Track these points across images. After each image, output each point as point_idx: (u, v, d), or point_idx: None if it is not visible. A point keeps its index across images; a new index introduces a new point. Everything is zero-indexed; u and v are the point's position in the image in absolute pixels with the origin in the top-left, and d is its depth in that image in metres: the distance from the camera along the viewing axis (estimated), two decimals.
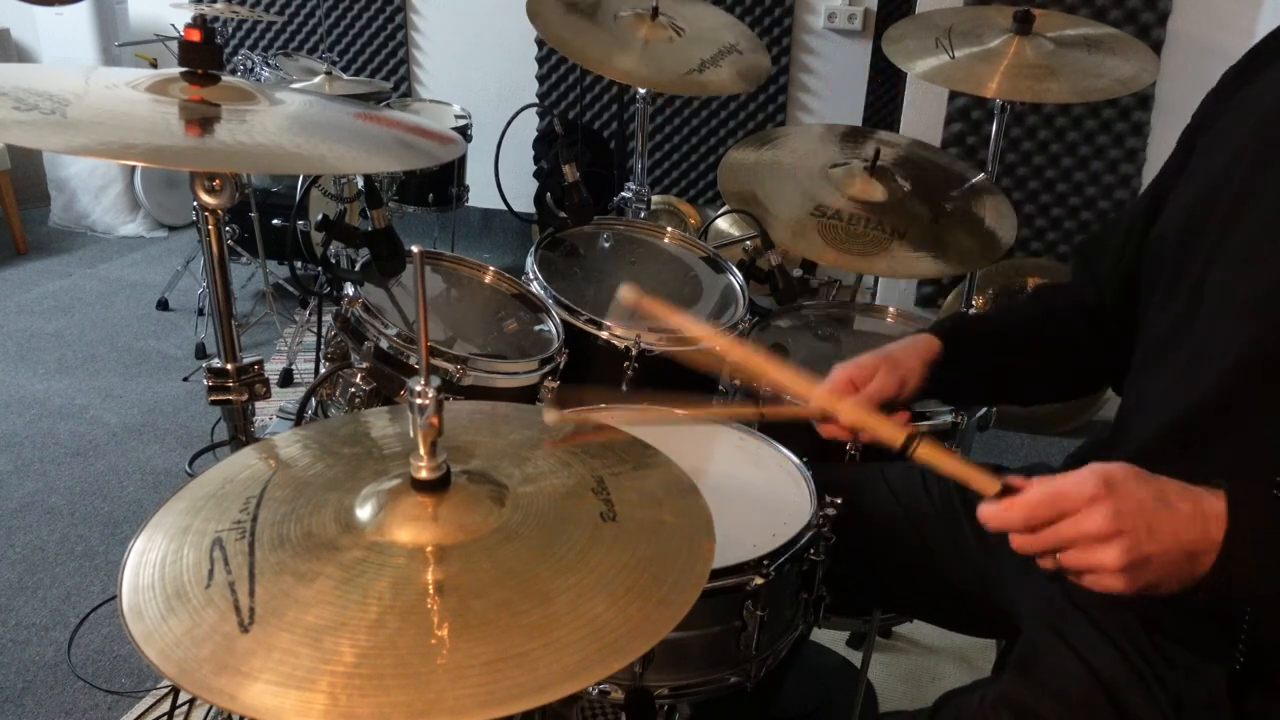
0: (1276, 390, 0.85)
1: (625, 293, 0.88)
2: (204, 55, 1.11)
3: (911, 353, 1.10)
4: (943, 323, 1.19)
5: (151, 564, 0.72)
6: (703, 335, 1.03)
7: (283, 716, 0.59)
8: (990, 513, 0.81)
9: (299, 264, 3.38)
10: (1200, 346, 0.92)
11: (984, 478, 0.81)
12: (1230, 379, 0.88)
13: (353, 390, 1.39)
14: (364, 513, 0.77)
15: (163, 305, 3.45)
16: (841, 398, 1.02)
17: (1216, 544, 0.75)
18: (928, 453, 0.80)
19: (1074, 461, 1.16)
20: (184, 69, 1.12)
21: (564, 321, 1.56)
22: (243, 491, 0.81)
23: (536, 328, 1.59)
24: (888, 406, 1.07)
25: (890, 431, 0.80)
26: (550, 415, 0.81)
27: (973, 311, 1.16)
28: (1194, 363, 0.92)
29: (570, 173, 1.72)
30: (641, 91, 2.21)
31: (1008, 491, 0.80)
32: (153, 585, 0.70)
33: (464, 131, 3.22)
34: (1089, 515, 0.75)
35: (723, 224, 3.25)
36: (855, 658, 1.96)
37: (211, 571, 0.71)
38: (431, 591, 0.69)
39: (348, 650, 0.63)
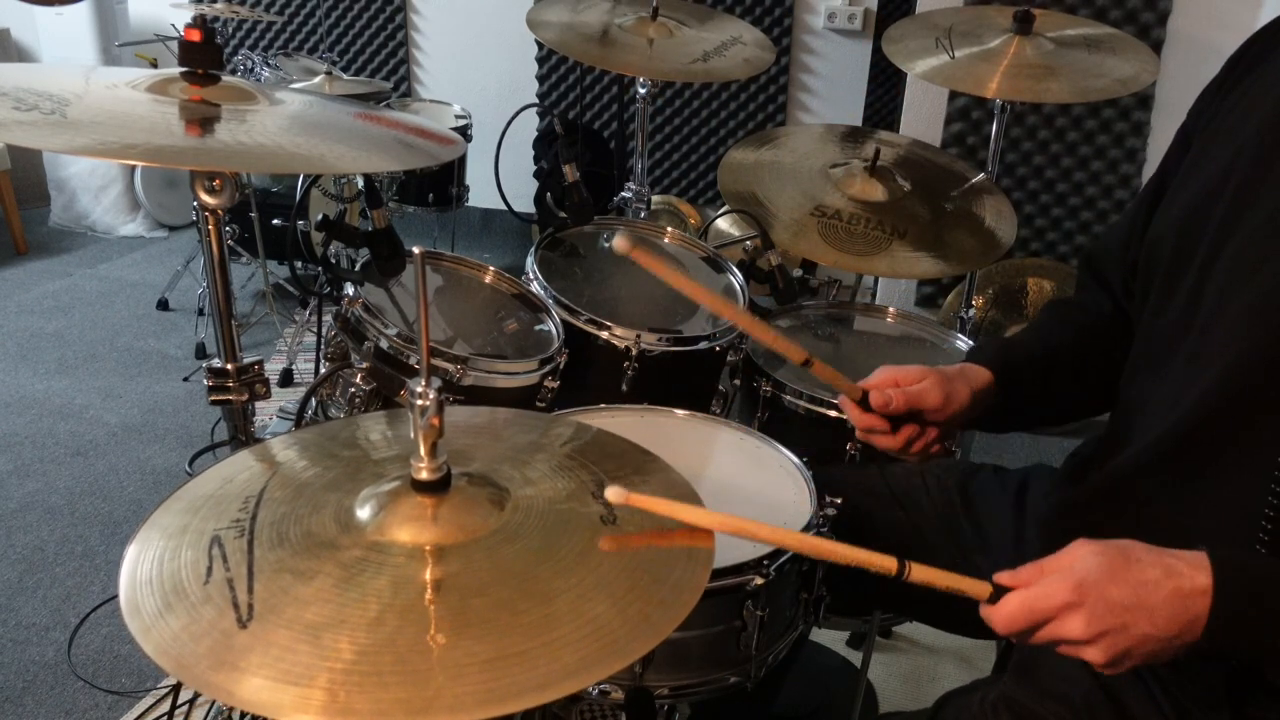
0: (1273, 395, 0.85)
1: (619, 242, 0.84)
2: (204, 55, 1.12)
3: (961, 378, 1.08)
4: (986, 352, 1.14)
5: (149, 561, 0.72)
6: (707, 300, 1.00)
7: (281, 711, 0.59)
8: (984, 616, 0.83)
9: (299, 264, 3.38)
10: (1197, 351, 0.92)
11: (975, 585, 0.83)
12: (1226, 385, 0.88)
13: (353, 390, 1.39)
14: (363, 513, 0.77)
15: (163, 305, 3.46)
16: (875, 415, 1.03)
17: (1201, 619, 0.76)
18: (922, 574, 0.82)
19: (1074, 462, 1.16)
20: (184, 69, 1.12)
21: (564, 321, 1.56)
22: (241, 492, 0.81)
23: (536, 328, 1.59)
24: (919, 420, 1.06)
25: (879, 560, 0.81)
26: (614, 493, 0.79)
27: (1007, 336, 1.12)
28: (1191, 367, 0.92)
29: (570, 173, 1.72)
30: (642, 91, 2.21)
31: (998, 594, 0.82)
32: (150, 582, 0.70)
33: (464, 131, 3.22)
34: (1065, 623, 0.78)
35: (723, 224, 3.25)
36: (855, 658, 1.96)
37: (210, 569, 0.71)
38: (431, 590, 0.69)
39: (346, 647, 0.63)
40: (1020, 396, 1.13)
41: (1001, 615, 0.81)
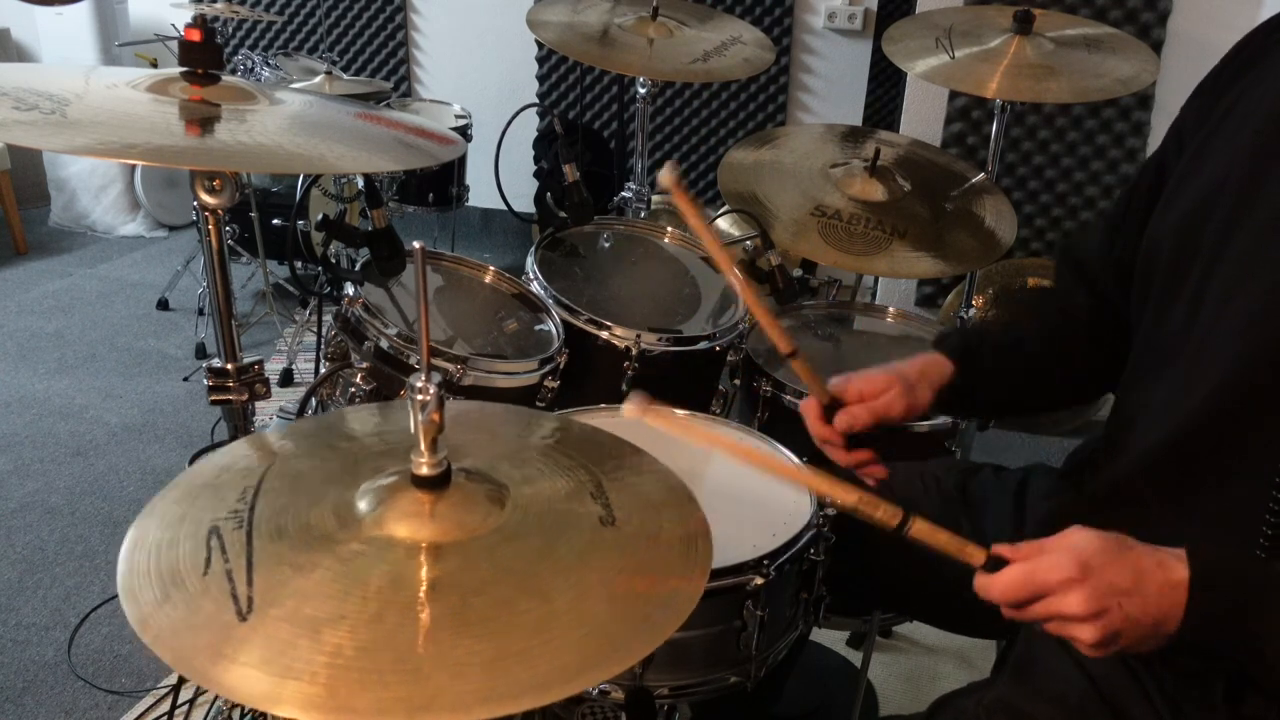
0: (1271, 402, 0.85)
1: (665, 174, 0.86)
2: (204, 55, 1.12)
3: (923, 378, 1.09)
4: (952, 340, 1.15)
5: (147, 550, 0.72)
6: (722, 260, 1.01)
7: (280, 706, 0.59)
8: (979, 586, 0.84)
9: (299, 264, 3.38)
10: (1198, 355, 0.92)
11: (972, 550, 0.84)
12: (1228, 389, 0.88)
13: (353, 390, 1.39)
14: (362, 507, 0.76)
15: (163, 305, 3.45)
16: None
17: (1179, 609, 0.78)
18: (922, 530, 0.82)
19: (1073, 463, 1.16)
20: (184, 69, 1.12)
21: (564, 321, 1.56)
22: (240, 482, 0.81)
23: (536, 328, 1.59)
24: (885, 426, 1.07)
25: (885, 515, 0.83)
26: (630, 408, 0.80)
27: (977, 322, 1.12)
28: (1193, 372, 0.92)
29: (570, 173, 1.72)
30: (642, 90, 2.21)
31: (994, 563, 0.83)
32: (149, 571, 0.70)
33: (464, 131, 3.22)
34: (1065, 599, 0.78)
35: (723, 224, 3.24)
36: (855, 658, 1.96)
37: (209, 560, 0.70)
38: (431, 588, 0.69)
39: (347, 643, 0.63)
40: (983, 385, 1.14)
41: (1001, 584, 0.81)
